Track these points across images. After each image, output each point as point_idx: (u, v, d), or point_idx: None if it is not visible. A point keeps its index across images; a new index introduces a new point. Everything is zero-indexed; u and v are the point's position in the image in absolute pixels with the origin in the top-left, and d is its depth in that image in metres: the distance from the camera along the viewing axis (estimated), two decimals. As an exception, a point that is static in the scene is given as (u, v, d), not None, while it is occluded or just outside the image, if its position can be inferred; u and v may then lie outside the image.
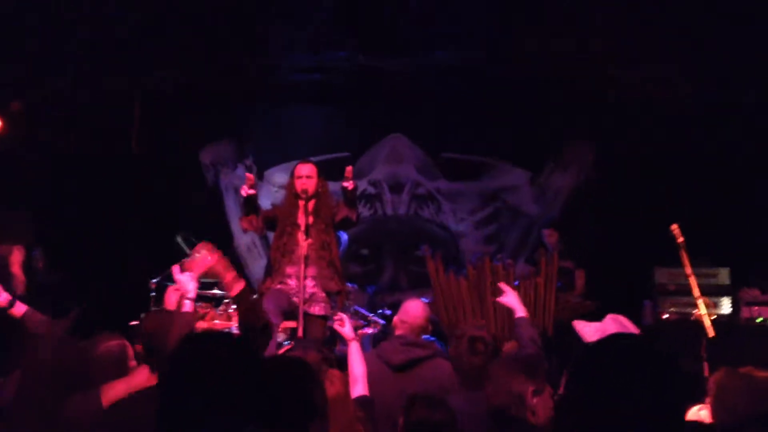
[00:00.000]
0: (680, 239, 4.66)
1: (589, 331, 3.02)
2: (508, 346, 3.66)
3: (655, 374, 1.54)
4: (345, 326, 3.63)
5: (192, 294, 3.23)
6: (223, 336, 1.86)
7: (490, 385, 2.68)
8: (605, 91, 7.41)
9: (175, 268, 3.36)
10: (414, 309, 3.85)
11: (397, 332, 3.79)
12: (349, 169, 5.00)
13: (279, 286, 4.96)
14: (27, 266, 5.79)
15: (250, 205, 5.05)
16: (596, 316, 3.35)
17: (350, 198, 5.06)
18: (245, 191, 4.94)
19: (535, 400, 2.56)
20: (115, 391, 2.58)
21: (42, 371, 2.65)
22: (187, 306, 3.23)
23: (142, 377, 2.64)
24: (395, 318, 3.94)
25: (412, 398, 2.61)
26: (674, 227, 4.69)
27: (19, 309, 3.60)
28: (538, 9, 6.46)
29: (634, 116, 7.40)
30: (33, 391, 2.63)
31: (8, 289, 5.62)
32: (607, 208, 7.58)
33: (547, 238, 7.13)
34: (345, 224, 5.22)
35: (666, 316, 6.08)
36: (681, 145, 7.22)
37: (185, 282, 3.24)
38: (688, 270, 4.60)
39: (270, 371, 1.96)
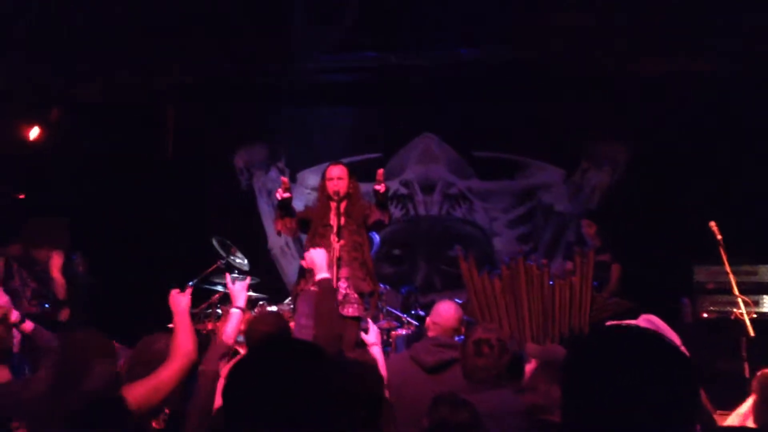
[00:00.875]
0: (719, 236, 4.57)
1: None
2: (532, 347, 3.61)
3: (657, 366, 1.44)
4: (369, 331, 3.68)
5: (241, 304, 3.45)
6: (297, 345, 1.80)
7: (532, 383, 2.65)
8: (640, 86, 7.30)
9: (229, 277, 3.63)
10: (446, 310, 3.82)
11: (430, 333, 3.77)
12: (380, 171, 5.00)
13: (313, 287, 4.98)
14: (67, 270, 5.90)
15: (284, 208, 5.08)
16: (634, 316, 3.31)
17: (382, 201, 5.06)
18: (280, 194, 4.97)
19: None
20: (135, 392, 2.61)
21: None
22: (235, 315, 3.40)
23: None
24: (428, 319, 3.93)
25: (436, 398, 2.59)
26: (713, 224, 4.61)
27: (28, 326, 3.75)
28: (569, 5, 6.40)
29: (670, 111, 7.27)
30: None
31: (49, 293, 5.77)
32: (645, 206, 7.47)
33: (585, 228, 7.04)
34: (377, 226, 5.22)
35: (705, 315, 5.96)
36: (720, 140, 7.08)
37: (238, 292, 3.47)
38: (728, 268, 4.51)
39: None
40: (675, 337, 2.97)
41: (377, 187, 4.99)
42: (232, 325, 3.46)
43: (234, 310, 3.50)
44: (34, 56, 6.63)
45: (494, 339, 3.08)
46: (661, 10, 6.31)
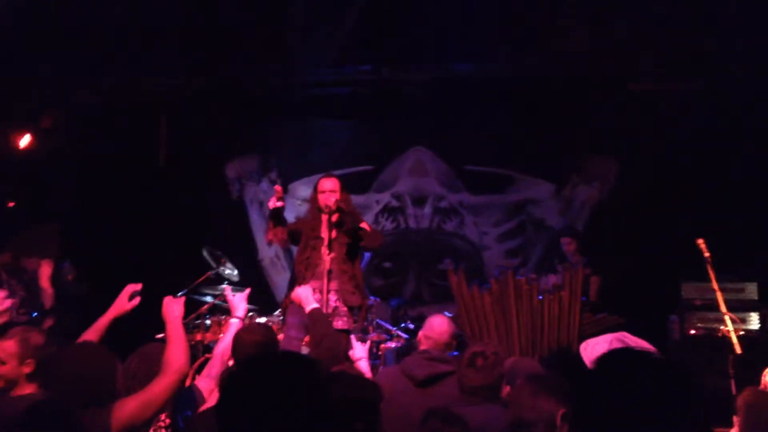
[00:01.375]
0: (707, 254, 4.61)
1: (595, 356, 2.97)
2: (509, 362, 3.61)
3: (667, 390, 1.48)
4: (355, 347, 3.74)
5: (241, 314, 3.61)
6: (287, 357, 1.82)
7: (516, 397, 2.64)
8: (629, 104, 7.37)
9: (228, 289, 3.82)
10: (439, 325, 3.84)
11: (422, 347, 3.78)
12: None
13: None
14: (56, 279, 5.89)
15: (276, 217, 5.08)
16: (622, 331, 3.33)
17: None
18: (273, 203, 4.97)
19: (565, 428, 2.50)
20: (127, 407, 2.60)
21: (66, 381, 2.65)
22: (234, 325, 3.45)
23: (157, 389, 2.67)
24: (420, 333, 3.93)
25: (428, 412, 2.60)
26: (700, 241, 4.64)
27: None
28: (560, 21, 6.47)
29: (660, 129, 7.35)
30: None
31: (36, 302, 5.75)
32: (634, 222, 7.52)
33: (566, 246, 7.09)
34: (358, 240, 5.15)
35: (693, 331, 6.00)
36: (707, 158, 7.15)
37: (237, 302, 3.63)
38: (715, 285, 4.55)
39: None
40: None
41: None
42: (231, 334, 3.49)
43: (233, 320, 3.59)
44: (27, 61, 6.63)
45: (489, 352, 3.10)
46: (653, 28, 6.39)
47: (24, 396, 2.88)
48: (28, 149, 7.00)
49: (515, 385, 3.21)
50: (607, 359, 1.66)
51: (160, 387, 2.65)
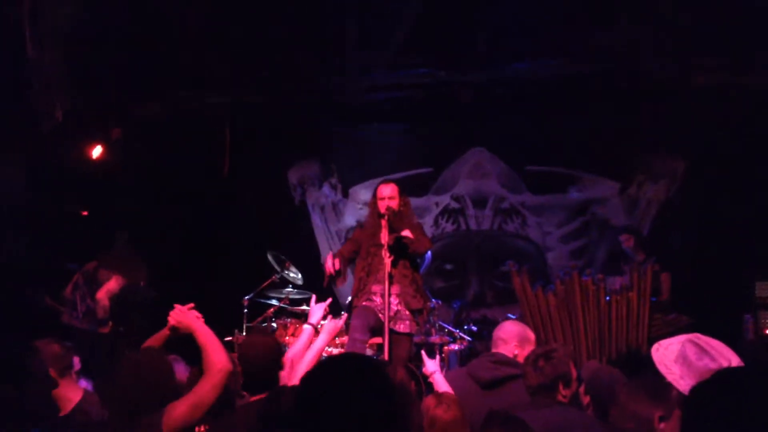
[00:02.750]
0: (782, 251, 4.44)
1: (668, 360, 2.90)
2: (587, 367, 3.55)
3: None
4: (427, 363, 3.73)
5: (314, 321, 3.78)
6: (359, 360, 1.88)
7: (616, 408, 2.62)
8: (695, 99, 7.15)
9: (314, 297, 4.03)
10: (508, 330, 3.77)
11: (493, 349, 3.74)
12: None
13: (366, 303, 5.02)
14: (129, 290, 6.10)
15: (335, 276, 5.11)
16: (693, 331, 3.23)
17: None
18: (331, 269, 4.99)
19: (662, 425, 2.48)
20: (178, 410, 2.64)
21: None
22: (306, 331, 3.65)
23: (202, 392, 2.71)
24: (494, 334, 3.85)
25: (488, 415, 2.58)
26: (775, 239, 4.47)
27: None
28: (619, 16, 6.33)
29: (727, 123, 7.10)
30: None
31: (91, 311, 5.95)
32: (704, 220, 7.29)
33: (625, 243, 6.95)
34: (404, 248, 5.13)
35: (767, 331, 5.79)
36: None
37: (315, 310, 3.81)
38: (792, 283, 4.38)
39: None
40: (731, 355, 2.90)
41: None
42: (302, 340, 3.59)
43: (306, 327, 3.69)
44: (96, 77, 6.87)
45: (552, 353, 3.06)
46: (717, 21, 6.19)
47: None
48: (99, 160, 7.25)
49: (599, 393, 3.17)
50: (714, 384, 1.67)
51: (207, 387, 2.68)
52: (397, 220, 5.03)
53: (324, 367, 1.77)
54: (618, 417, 2.59)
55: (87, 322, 6.04)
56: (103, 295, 6.03)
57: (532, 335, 3.75)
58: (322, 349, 3.62)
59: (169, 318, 3.02)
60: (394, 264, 4.88)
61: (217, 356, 2.77)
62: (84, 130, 7.17)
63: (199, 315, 3.01)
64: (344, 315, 4.17)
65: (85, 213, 7.41)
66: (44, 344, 3.25)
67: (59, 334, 4.49)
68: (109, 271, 6.09)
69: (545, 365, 3.03)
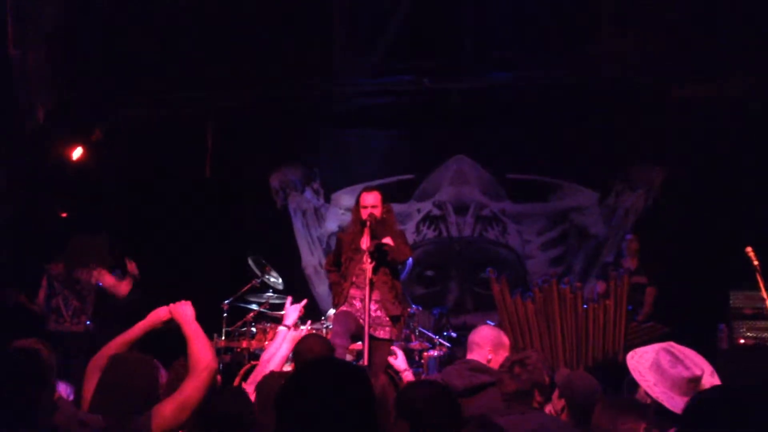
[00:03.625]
0: (756, 262, 4.52)
1: (642, 367, 2.96)
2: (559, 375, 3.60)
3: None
4: (397, 361, 3.76)
5: (289, 323, 3.76)
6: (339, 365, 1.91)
7: (598, 426, 2.67)
8: (674, 110, 7.26)
9: (289, 299, 4.00)
10: (484, 335, 3.81)
11: (468, 356, 3.76)
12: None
13: (346, 308, 5.04)
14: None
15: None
16: (669, 340, 3.29)
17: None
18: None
19: None
20: (165, 411, 2.64)
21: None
22: (281, 333, 3.65)
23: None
24: (469, 338, 3.89)
25: (465, 421, 2.61)
26: (749, 250, 4.55)
27: None
28: (602, 27, 6.42)
29: (705, 134, 7.22)
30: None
31: (89, 311, 5.92)
32: (680, 230, 7.39)
33: (629, 244, 7.00)
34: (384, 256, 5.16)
35: (742, 340, 5.87)
36: (756, 164, 7.00)
37: (290, 312, 3.81)
38: (764, 293, 4.45)
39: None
40: (704, 364, 2.96)
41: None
42: (276, 342, 3.57)
43: (281, 328, 3.66)
44: (78, 78, 6.85)
45: (527, 360, 3.10)
46: (698, 34, 6.30)
47: None
48: (80, 161, 7.21)
49: (573, 397, 3.21)
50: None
51: (193, 387, 2.65)
52: (379, 227, 5.06)
53: (304, 371, 1.79)
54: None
55: (76, 324, 6.00)
56: (112, 281, 6.02)
57: (506, 340, 3.79)
58: (286, 357, 3.63)
59: (169, 308, 3.00)
60: (374, 270, 4.90)
61: (203, 353, 2.75)
62: (65, 130, 7.13)
63: (192, 311, 2.99)
64: (305, 300, 4.07)
65: (65, 215, 7.36)
66: (29, 345, 3.21)
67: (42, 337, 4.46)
68: (87, 269, 6.04)
69: (521, 372, 3.07)
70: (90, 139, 7.41)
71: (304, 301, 4.03)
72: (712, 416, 1.67)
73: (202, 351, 2.76)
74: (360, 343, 5.28)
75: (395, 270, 5.19)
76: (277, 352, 3.62)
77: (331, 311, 5.66)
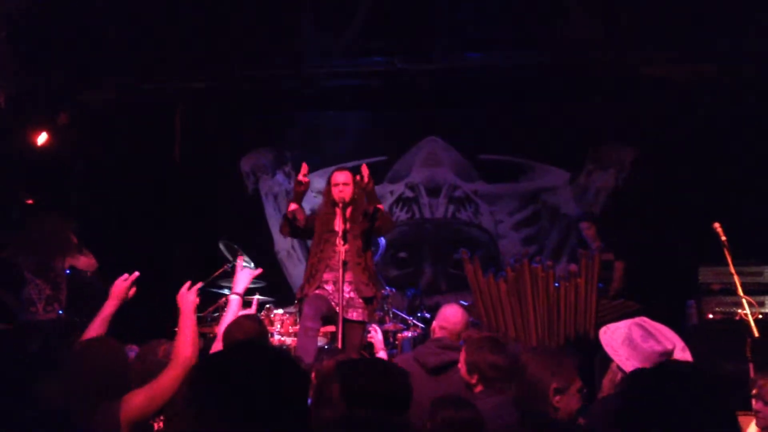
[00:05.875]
0: (723, 238, 4.58)
1: (615, 342, 2.98)
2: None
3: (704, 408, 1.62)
4: (376, 337, 3.74)
5: (240, 290, 3.60)
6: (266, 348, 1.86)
7: (517, 376, 2.69)
8: (642, 89, 7.31)
9: (241, 259, 3.94)
10: (453, 314, 3.86)
11: (436, 336, 3.79)
12: (363, 167, 5.05)
13: (318, 291, 5.02)
14: (74, 274, 5.95)
15: (300, 194, 5.12)
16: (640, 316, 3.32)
17: (367, 193, 5.07)
18: (301, 177, 5.03)
19: (557, 398, 2.55)
20: (136, 399, 2.62)
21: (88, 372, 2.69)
22: (234, 301, 3.54)
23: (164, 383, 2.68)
24: (434, 323, 3.94)
25: (438, 400, 2.62)
26: (717, 226, 4.61)
27: None
28: (571, 7, 6.42)
29: (675, 114, 7.29)
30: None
31: (61, 300, 5.83)
32: (650, 207, 7.47)
33: (585, 231, 7.09)
34: (370, 221, 5.14)
35: (711, 316, 5.96)
36: (725, 141, 7.09)
37: (240, 278, 3.64)
38: (732, 269, 4.51)
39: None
40: (675, 338, 2.99)
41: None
42: (232, 311, 3.50)
43: (233, 297, 3.55)
44: (42, 61, 6.69)
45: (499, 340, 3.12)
46: (667, 12, 6.32)
47: None
48: (45, 147, 7.07)
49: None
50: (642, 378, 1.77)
51: (167, 380, 2.65)
52: (353, 208, 5.04)
53: (230, 352, 1.76)
54: (518, 385, 2.65)
55: (49, 312, 5.89)
56: (86, 265, 5.93)
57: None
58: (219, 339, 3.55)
59: (178, 295, 3.02)
60: (347, 252, 4.88)
61: (185, 346, 2.75)
62: (29, 115, 6.98)
63: (195, 300, 2.98)
64: (259, 270, 3.94)
65: (31, 201, 7.22)
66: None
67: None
68: (59, 256, 5.93)
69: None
70: (56, 124, 7.26)
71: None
72: (647, 392, 1.73)
73: (185, 344, 2.76)
74: (332, 325, 5.28)
75: (369, 251, 5.17)
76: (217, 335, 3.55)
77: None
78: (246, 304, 5.30)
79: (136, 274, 3.37)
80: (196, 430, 1.59)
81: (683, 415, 1.64)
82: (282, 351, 1.64)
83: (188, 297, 2.96)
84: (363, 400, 2.08)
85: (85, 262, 5.99)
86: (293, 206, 5.17)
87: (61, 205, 7.06)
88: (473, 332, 3.40)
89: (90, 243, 6.53)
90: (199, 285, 3.09)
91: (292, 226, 5.14)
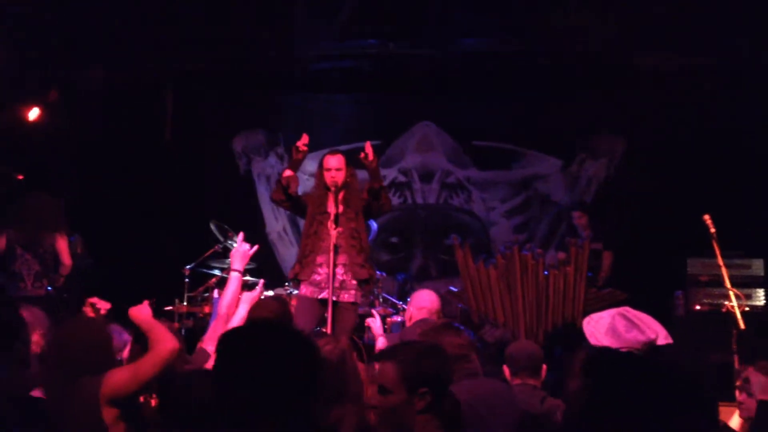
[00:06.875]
0: (712, 230, 4.61)
1: (598, 332, 3.01)
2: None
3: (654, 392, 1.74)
4: (375, 324, 3.75)
5: (239, 266, 3.60)
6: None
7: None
8: (635, 80, 7.32)
9: (241, 235, 3.84)
10: (428, 296, 3.92)
11: (415, 320, 3.81)
12: (367, 145, 5.03)
13: (308, 289, 4.99)
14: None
15: (297, 162, 5.13)
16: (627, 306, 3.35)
17: (371, 170, 5.07)
18: (300, 145, 5.03)
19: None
20: (117, 376, 2.66)
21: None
22: (234, 278, 3.52)
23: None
24: (409, 310, 3.97)
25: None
26: (707, 217, 4.65)
27: None
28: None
29: (667, 105, 7.31)
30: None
31: (51, 275, 5.81)
32: (640, 198, 7.51)
33: (577, 220, 7.13)
34: (374, 199, 5.13)
35: (698, 307, 6.01)
36: (716, 134, 7.12)
37: (238, 256, 3.66)
38: (720, 261, 4.56)
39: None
40: (659, 328, 3.03)
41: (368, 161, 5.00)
42: (232, 288, 3.50)
43: (233, 274, 3.54)
44: (34, 39, 6.63)
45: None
46: (660, 3, 6.33)
47: None
48: (36, 123, 7.01)
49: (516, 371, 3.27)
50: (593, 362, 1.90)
51: (149, 363, 2.66)
52: (344, 191, 5.02)
53: (255, 328, 1.84)
54: None
55: (38, 288, 5.88)
56: (67, 258, 5.89)
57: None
58: (245, 319, 3.57)
59: (129, 313, 2.92)
60: (341, 234, 4.88)
61: (163, 336, 2.74)
62: (20, 91, 6.93)
63: (148, 311, 2.95)
64: (256, 246, 3.94)
65: (21, 177, 7.17)
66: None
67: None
68: (47, 232, 5.90)
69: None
70: (47, 100, 7.20)
71: (256, 247, 3.95)
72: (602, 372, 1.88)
73: (162, 335, 2.75)
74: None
75: (364, 232, 5.17)
76: (238, 295, 3.56)
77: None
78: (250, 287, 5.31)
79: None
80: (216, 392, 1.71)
81: (638, 400, 1.79)
82: (302, 333, 1.69)
83: (142, 310, 2.91)
84: None
85: (64, 249, 5.94)
86: (288, 172, 5.15)
87: (51, 183, 7.02)
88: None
89: (80, 223, 6.52)
90: (146, 302, 3.02)
91: (285, 193, 5.13)
